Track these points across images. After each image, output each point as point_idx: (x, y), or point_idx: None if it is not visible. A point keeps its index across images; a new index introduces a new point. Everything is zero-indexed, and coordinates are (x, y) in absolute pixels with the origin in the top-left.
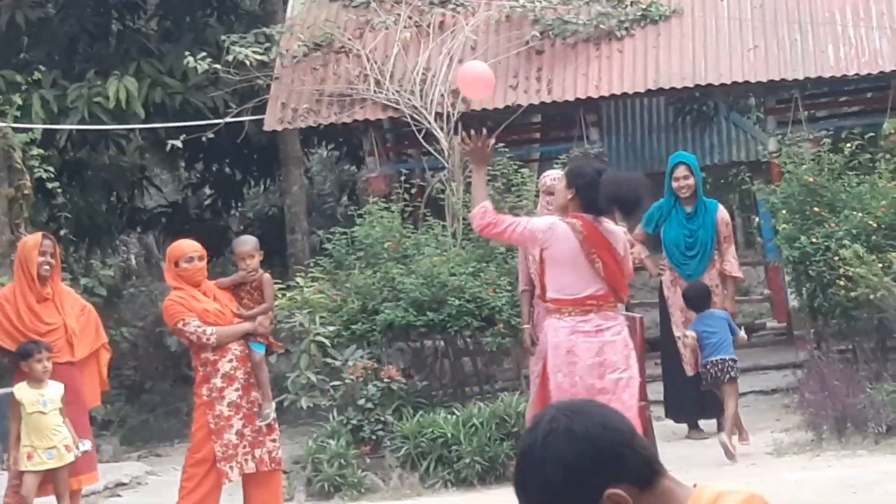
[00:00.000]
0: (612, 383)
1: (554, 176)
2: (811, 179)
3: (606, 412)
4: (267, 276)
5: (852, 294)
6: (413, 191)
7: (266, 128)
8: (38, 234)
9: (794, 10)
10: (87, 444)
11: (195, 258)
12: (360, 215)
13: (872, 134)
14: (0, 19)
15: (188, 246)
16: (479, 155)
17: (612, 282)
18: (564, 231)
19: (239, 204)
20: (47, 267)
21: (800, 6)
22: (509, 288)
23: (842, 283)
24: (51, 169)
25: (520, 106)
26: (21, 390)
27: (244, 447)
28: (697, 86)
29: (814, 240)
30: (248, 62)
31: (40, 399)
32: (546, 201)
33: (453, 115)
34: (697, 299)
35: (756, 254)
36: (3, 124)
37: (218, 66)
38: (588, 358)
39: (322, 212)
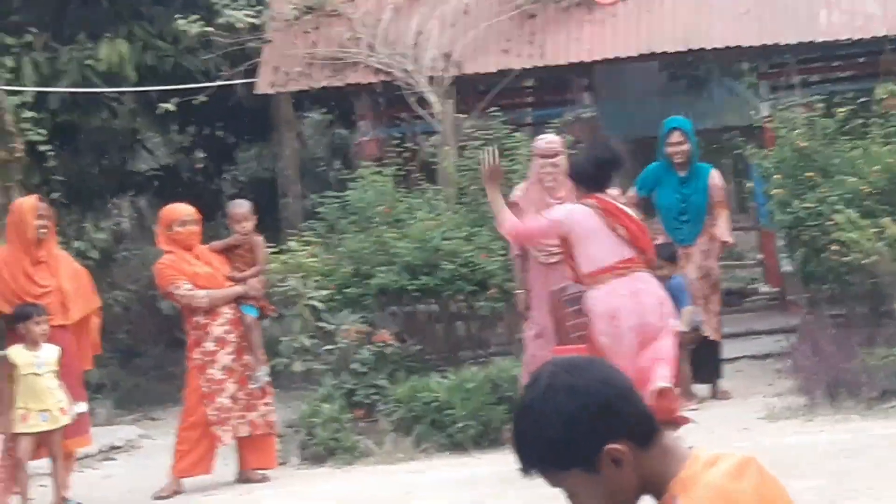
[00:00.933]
0: (652, 342)
1: (549, 139)
2: (804, 144)
3: (606, 368)
4: (259, 239)
5: (845, 259)
6: (406, 155)
7: (258, 91)
8: (34, 198)
9: None
10: (82, 406)
11: (189, 222)
12: (352, 179)
13: (865, 99)
14: None
15: (182, 209)
16: (494, 175)
17: (638, 244)
18: (583, 211)
19: (231, 167)
20: (45, 230)
21: None
22: (502, 252)
23: (834, 247)
24: (43, 132)
25: (512, 70)
26: (16, 352)
27: (238, 411)
28: (690, 50)
29: (807, 205)
30: (239, 25)
31: (35, 361)
32: (539, 164)
33: (445, 79)
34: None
35: (749, 218)
36: None
37: (210, 29)
38: (629, 321)
39: (315, 175)
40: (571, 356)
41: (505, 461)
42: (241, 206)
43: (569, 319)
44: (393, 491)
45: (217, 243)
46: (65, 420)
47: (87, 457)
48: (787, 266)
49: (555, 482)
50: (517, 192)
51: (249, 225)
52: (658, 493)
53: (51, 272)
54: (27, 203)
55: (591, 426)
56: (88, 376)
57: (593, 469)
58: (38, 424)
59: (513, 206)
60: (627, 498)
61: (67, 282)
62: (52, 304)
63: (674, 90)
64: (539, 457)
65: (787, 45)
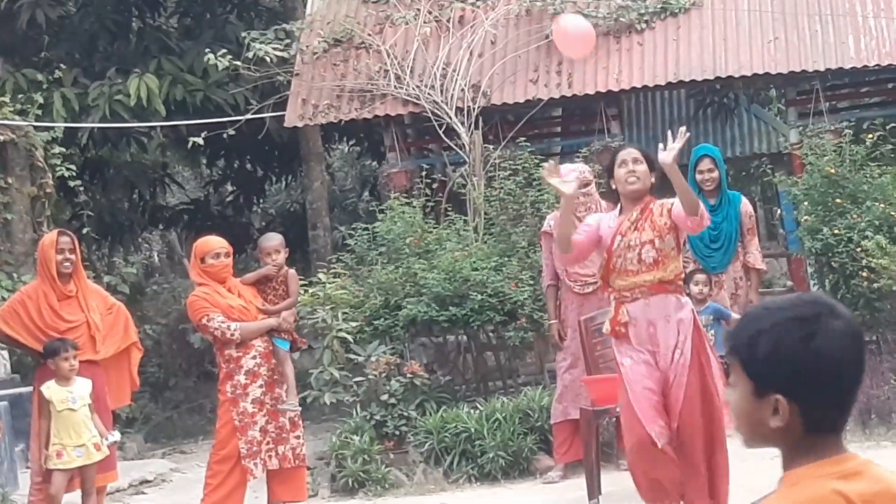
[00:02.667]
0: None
1: (579, 169)
2: (833, 171)
3: (861, 356)
4: (292, 271)
5: (875, 285)
6: (434, 186)
7: (287, 124)
8: (55, 232)
9: (814, 1)
10: (116, 435)
11: (221, 254)
12: (381, 211)
13: (894, 124)
14: (21, 18)
15: (215, 242)
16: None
17: None
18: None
19: (261, 200)
20: (67, 264)
21: None
22: (531, 282)
23: (864, 274)
24: (73, 167)
25: (540, 100)
26: (50, 388)
27: (268, 443)
28: (718, 78)
29: (836, 231)
30: (268, 58)
31: (69, 396)
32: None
33: (474, 109)
34: None
35: (779, 245)
36: (25, 123)
37: (238, 63)
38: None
39: (344, 207)
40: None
41: (535, 491)
42: (273, 239)
43: (598, 349)
44: None
45: (249, 276)
46: (99, 455)
47: (117, 491)
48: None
49: (732, 369)
50: (549, 221)
51: (281, 257)
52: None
53: (80, 307)
54: (48, 238)
55: (796, 372)
56: (120, 410)
57: (760, 394)
58: (73, 460)
59: (546, 236)
60: (762, 438)
61: (98, 316)
62: (80, 339)
63: (702, 118)
64: (747, 350)
65: (815, 71)
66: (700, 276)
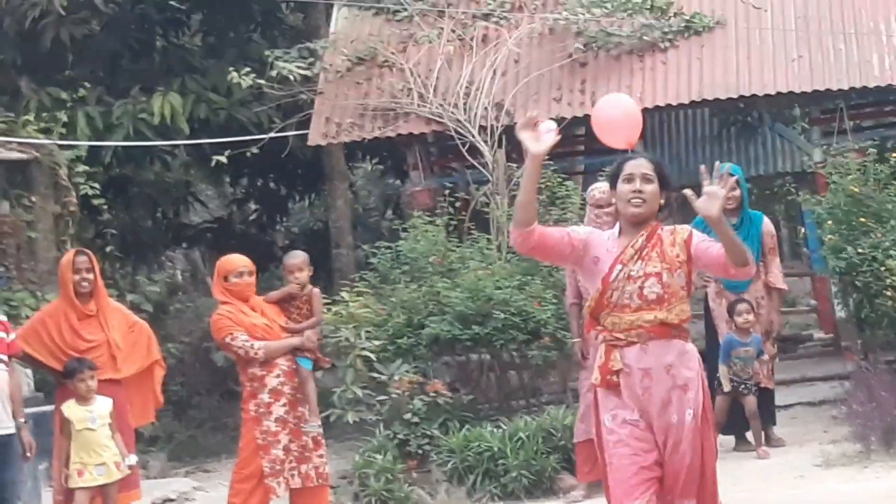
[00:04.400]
0: None
1: (602, 189)
2: (857, 190)
3: None
4: (316, 290)
5: None
6: (458, 204)
7: (310, 142)
8: (72, 252)
9: (837, 21)
10: (133, 459)
11: (245, 273)
12: (404, 229)
13: None
14: (45, 37)
15: (238, 261)
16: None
17: None
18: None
19: (284, 219)
20: (85, 283)
21: (844, 16)
22: (555, 301)
23: (889, 293)
24: (96, 186)
25: (563, 118)
26: (70, 408)
27: (291, 462)
28: (741, 97)
29: (860, 250)
30: (291, 77)
31: (89, 416)
32: (595, 214)
33: (497, 128)
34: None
35: (802, 265)
36: (49, 141)
37: (262, 82)
38: None
39: (367, 226)
40: None
41: None
42: (297, 257)
43: None
44: None
45: (273, 294)
46: (119, 474)
47: None
48: (840, 312)
49: None
50: None
51: (304, 276)
52: None
53: (101, 326)
54: (65, 258)
55: None
56: (142, 429)
57: None
58: (94, 479)
59: None
60: None
61: (119, 335)
62: (100, 359)
63: (725, 137)
64: None
65: (839, 90)
66: (743, 306)
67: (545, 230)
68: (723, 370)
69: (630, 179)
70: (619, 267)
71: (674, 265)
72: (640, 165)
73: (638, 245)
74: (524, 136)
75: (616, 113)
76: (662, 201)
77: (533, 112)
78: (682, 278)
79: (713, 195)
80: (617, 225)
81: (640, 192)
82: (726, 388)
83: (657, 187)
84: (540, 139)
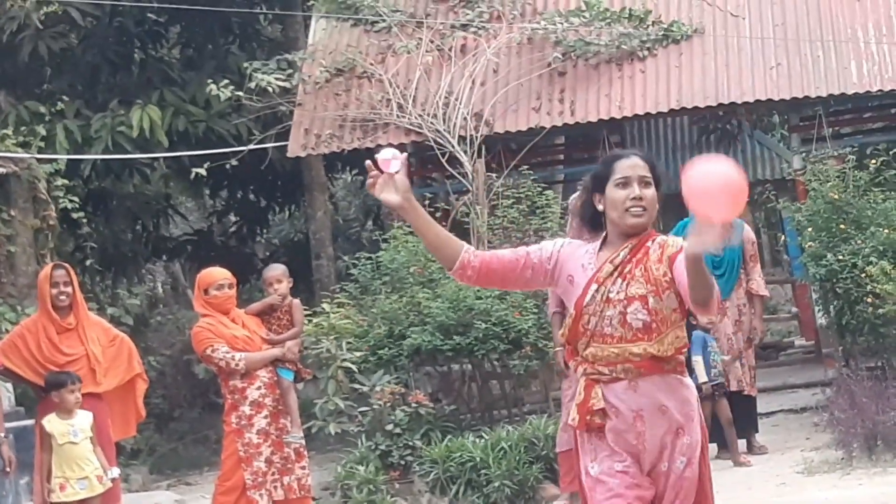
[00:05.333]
0: None
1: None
2: (836, 196)
3: None
4: (296, 301)
5: (880, 311)
6: (437, 214)
7: (290, 154)
8: (49, 266)
9: (815, 28)
10: (115, 472)
11: (225, 286)
12: (385, 240)
13: None
14: (23, 50)
15: (218, 273)
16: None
17: None
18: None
19: (264, 231)
20: (63, 297)
21: (822, 24)
22: (535, 311)
23: (869, 299)
24: (76, 199)
25: (543, 128)
26: (51, 422)
27: (273, 474)
28: (720, 104)
29: (840, 257)
30: (270, 89)
31: (70, 429)
32: (576, 223)
33: (476, 138)
34: None
35: (783, 272)
36: (28, 155)
37: (241, 94)
38: None
39: (347, 237)
40: None
41: None
42: (276, 269)
43: None
44: None
45: (253, 306)
46: (102, 488)
47: None
48: (821, 319)
49: None
50: None
51: (284, 287)
52: None
53: (80, 339)
54: (43, 271)
55: None
56: (124, 442)
57: None
58: (76, 493)
59: None
60: None
61: (98, 349)
62: (80, 372)
63: (705, 144)
64: None
65: (817, 97)
66: None
67: (490, 258)
68: (698, 360)
69: (626, 184)
70: (594, 287)
71: (661, 286)
72: (635, 165)
73: (618, 260)
74: (380, 195)
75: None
76: (658, 205)
77: (378, 154)
78: (673, 300)
79: (711, 235)
80: (603, 235)
81: (640, 199)
82: (702, 378)
83: (655, 191)
84: (391, 184)
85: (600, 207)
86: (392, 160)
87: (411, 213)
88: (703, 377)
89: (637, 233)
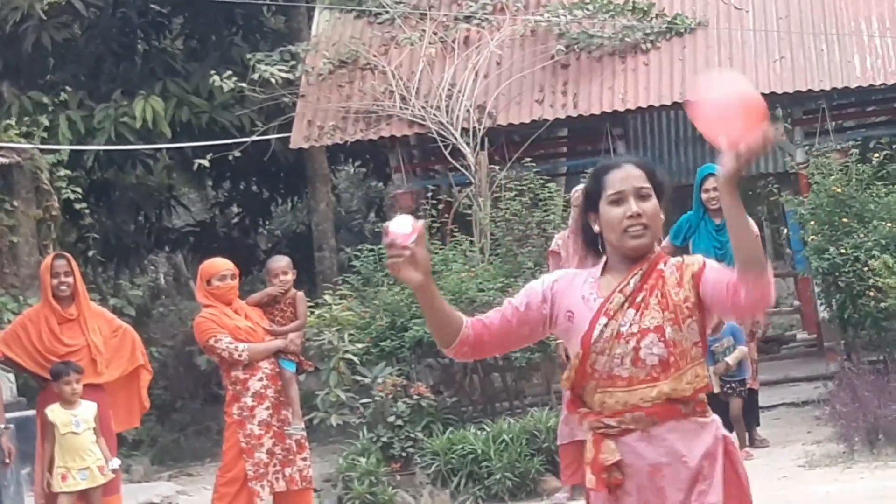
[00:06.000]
0: None
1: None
2: (839, 190)
3: None
4: (300, 294)
5: (882, 305)
6: (440, 206)
7: (292, 145)
8: (50, 256)
9: (819, 21)
10: (115, 463)
11: (227, 276)
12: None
13: None
14: (26, 41)
15: (221, 264)
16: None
17: None
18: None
19: (266, 222)
20: (64, 287)
21: (825, 17)
22: None
23: (871, 293)
24: (78, 190)
25: (546, 120)
26: (54, 411)
27: (275, 465)
28: None
29: (843, 251)
30: (273, 80)
31: (73, 420)
32: (579, 245)
33: (479, 130)
34: None
35: (785, 265)
36: (31, 146)
37: (244, 85)
38: None
39: (350, 229)
40: None
41: None
42: (280, 261)
43: None
44: None
45: (254, 297)
46: (103, 479)
47: None
48: (824, 312)
49: None
50: (557, 241)
51: (288, 279)
52: None
53: (81, 330)
54: (44, 262)
55: None
56: (126, 433)
57: None
58: (77, 483)
59: (554, 255)
60: None
61: (100, 339)
62: (80, 363)
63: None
64: None
65: (821, 91)
66: None
67: (480, 328)
68: (711, 371)
69: (620, 200)
70: (602, 321)
71: (681, 314)
72: (629, 177)
73: (630, 289)
74: (401, 275)
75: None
76: (662, 218)
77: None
78: (695, 331)
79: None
80: (603, 260)
81: (638, 215)
82: (716, 389)
83: (657, 202)
84: (413, 261)
85: (596, 229)
86: (410, 233)
87: (428, 292)
88: (716, 388)
89: (640, 255)
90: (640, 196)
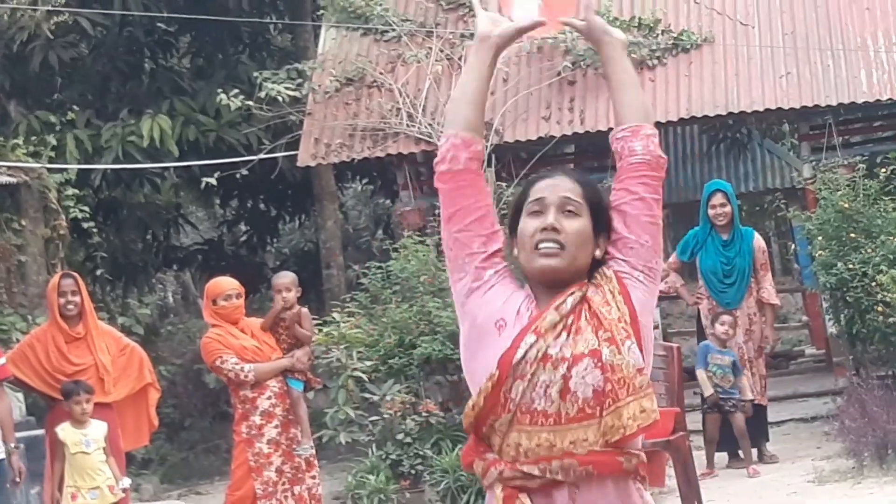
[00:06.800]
0: None
1: None
2: (847, 205)
3: None
4: (305, 310)
5: (891, 320)
6: None
7: (300, 163)
8: (57, 275)
9: (825, 37)
10: (126, 482)
11: (233, 296)
12: (395, 249)
13: None
14: (33, 60)
15: (226, 283)
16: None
17: None
18: None
19: (274, 240)
20: (71, 306)
21: (832, 32)
22: None
23: (880, 308)
24: (86, 209)
25: (552, 137)
26: (64, 431)
27: (284, 484)
28: (730, 113)
29: (850, 266)
30: (280, 98)
31: (83, 439)
32: None
33: (486, 147)
34: None
35: (793, 280)
36: (38, 165)
37: (251, 103)
38: None
39: (357, 246)
40: None
41: None
42: (285, 277)
43: None
44: None
45: (266, 321)
46: (113, 498)
47: None
48: (832, 328)
49: None
50: None
51: (292, 296)
52: None
53: (89, 349)
54: (52, 281)
55: None
56: (135, 451)
57: None
58: (88, 502)
59: None
60: None
61: (108, 358)
62: (89, 382)
63: (715, 153)
64: None
65: (827, 106)
66: (727, 318)
67: (481, 179)
68: (701, 375)
69: (539, 211)
70: (530, 339)
71: (618, 333)
72: (557, 187)
73: (566, 308)
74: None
75: None
76: (599, 253)
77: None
78: (637, 354)
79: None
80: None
81: (553, 230)
82: (706, 392)
83: (586, 225)
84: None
85: (514, 251)
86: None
87: (477, 56)
88: (707, 390)
89: (551, 282)
90: (565, 211)
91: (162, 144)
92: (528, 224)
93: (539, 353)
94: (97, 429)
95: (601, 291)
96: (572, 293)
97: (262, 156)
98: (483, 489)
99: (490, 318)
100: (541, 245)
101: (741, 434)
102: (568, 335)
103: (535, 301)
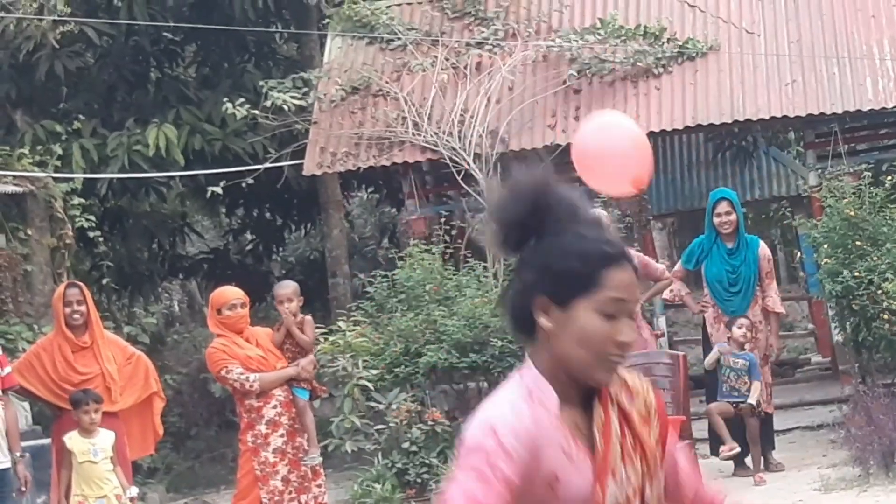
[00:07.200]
0: None
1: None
2: (852, 213)
3: None
4: (308, 318)
5: None
6: (453, 232)
7: (305, 172)
8: (63, 285)
9: (831, 45)
10: (133, 491)
11: (237, 305)
12: (401, 258)
13: None
14: (39, 70)
15: (231, 293)
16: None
17: None
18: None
19: (280, 249)
20: (77, 316)
21: (837, 40)
22: None
23: (885, 316)
24: (92, 218)
25: (558, 145)
26: (72, 439)
27: (290, 493)
28: (736, 121)
29: (856, 274)
30: (286, 107)
31: (91, 448)
32: None
33: (492, 155)
34: None
35: (799, 288)
36: (44, 174)
37: (256, 112)
38: None
39: (363, 255)
40: None
41: None
42: (286, 287)
43: None
44: None
45: (278, 338)
46: None
47: None
48: (838, 336)
49: None
50: None
51: (294, 305)
52: None
53: (95, 358)
54: (57, 290)
55: None
56: (141, 460)
57: None
58: None
59: None
60: None
61: (114, 367)
62: (95, 391)
63: (720, 161)
64: None
65: (833, 114)
66: (744, 321)
67: None
68: (711, 355)
69: (615, 314)
70: (611, 488)
71: (654, 464)
72: (633, 286)
73: (615, 429)
74: None
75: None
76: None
77: None
78: (661, 485)
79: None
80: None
81: (628, 346)
82: (709, 365)
83: None
84: None
85: (543, 321)
86: None
87: None
88: (709, 364)
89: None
90: (631, 316)
91: (168, 153)
92: (601, 327)
93: (619, 495)
94: (105, 438)
95: (634, 403)
96: (597, 406)
97: (267, 165)
98: None
99: (542, 479)
100: (613, 358)
101: (753, 440)
102: (624, 465)
103: (561, 421)
